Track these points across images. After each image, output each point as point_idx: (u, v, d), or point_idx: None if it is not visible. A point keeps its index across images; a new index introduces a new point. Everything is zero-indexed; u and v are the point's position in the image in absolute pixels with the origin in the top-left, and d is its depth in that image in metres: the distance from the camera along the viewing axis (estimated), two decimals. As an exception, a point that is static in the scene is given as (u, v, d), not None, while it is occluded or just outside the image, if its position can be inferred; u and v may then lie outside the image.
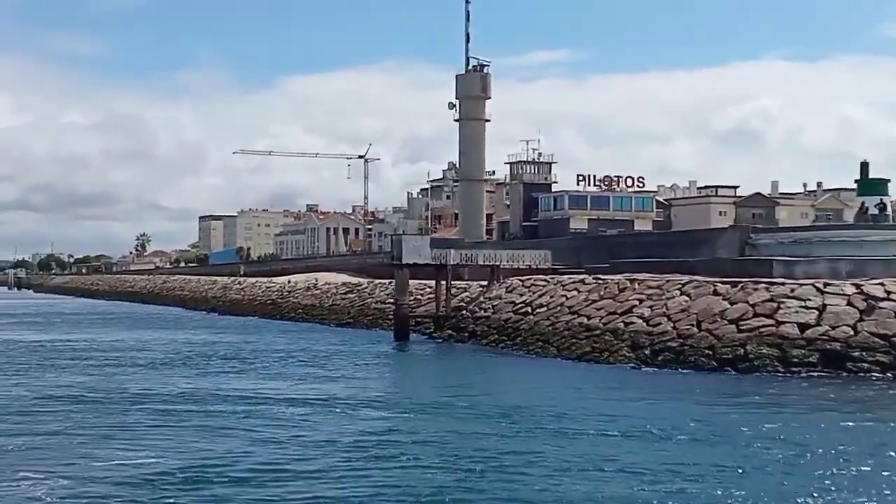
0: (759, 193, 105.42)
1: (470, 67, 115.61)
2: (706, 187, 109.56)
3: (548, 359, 40.40)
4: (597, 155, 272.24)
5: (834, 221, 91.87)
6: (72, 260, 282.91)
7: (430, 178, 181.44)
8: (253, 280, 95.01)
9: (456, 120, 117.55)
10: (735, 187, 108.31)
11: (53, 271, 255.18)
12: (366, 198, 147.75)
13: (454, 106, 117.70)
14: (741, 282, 38.25)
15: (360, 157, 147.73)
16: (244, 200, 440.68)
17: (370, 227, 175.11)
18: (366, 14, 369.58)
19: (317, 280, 79.85)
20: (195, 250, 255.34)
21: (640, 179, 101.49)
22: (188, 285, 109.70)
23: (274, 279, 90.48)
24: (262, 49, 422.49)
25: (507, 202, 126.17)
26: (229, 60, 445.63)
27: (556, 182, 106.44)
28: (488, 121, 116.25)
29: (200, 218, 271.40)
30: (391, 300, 63.53)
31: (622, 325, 39.73)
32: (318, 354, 43.22)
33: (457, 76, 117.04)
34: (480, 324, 49.01)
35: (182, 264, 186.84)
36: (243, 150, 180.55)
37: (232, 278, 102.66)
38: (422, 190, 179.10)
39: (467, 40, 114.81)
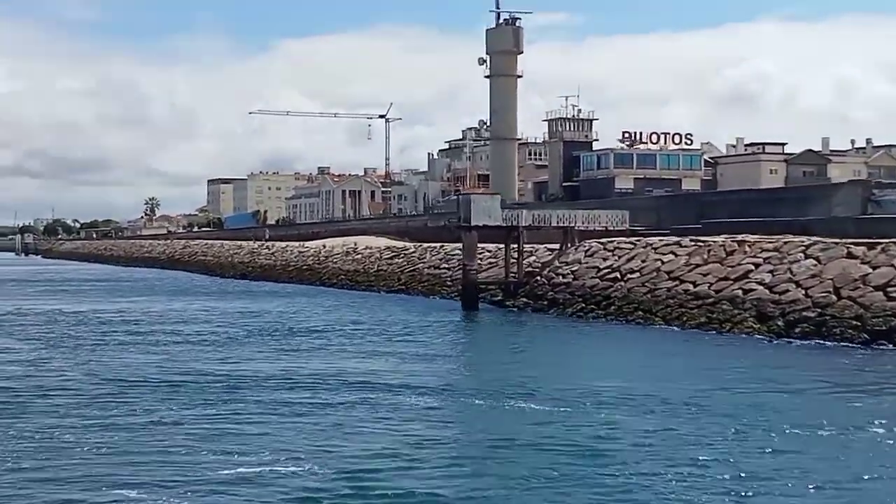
0: (810, 150, 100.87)
1: (501, 21, 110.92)
2: (753, 144, 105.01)
3: (654, 330, 36.38)
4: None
5: (887, 179, 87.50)
6: (78, 225, 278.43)
7: (449, 139, 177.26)
8: (283, 244, 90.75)
9: (486, 76, 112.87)
10: (783, 144, 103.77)
11: (60, 237, 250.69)
12: (387, 159, 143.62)
13: (484, 61, 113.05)
14: (879, 243, 34.04)
15: (381, 116, 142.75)
16: (241, 164, 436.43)
17: (388, 189, 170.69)
18: None
19: (356, 244, 75.60)
20: (204, 214, 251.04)
21: (688, 136, 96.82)
22: (211, 250, 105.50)
23: (307, 243, 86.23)
24: (257, 12, 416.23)
25: (543, 162, 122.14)
26: (225, 24, 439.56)
27: (597, 140, 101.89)
28: (520, 76, 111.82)
29: (209, 181, 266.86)
30: (445, 265, 59.72)
31: (740, 292, 35.60)
32: (393, 327, 39.02)
33: (487, 30, 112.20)
34: (561, 291, 44.87)
35: (195, 228, 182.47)
36: (260, 110, 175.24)
37: (258, 242, 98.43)
38: (440, 151, 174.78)
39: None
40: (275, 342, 34.26)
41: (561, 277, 46.27)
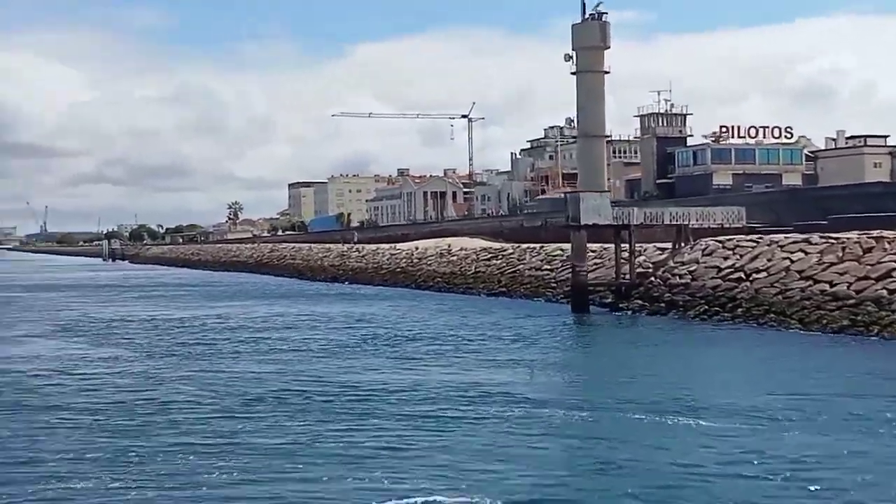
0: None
1: (587, 16, 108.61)
2: (854, 137, 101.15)
3: (790, 333, 34.07)
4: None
5: None
6: (162, 230, 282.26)
7: (532, 139, 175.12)
8: (373, 247, 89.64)
9: (573, 73, 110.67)
10: (885, 136, 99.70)
11: (145, 242, 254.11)
12: (471, 159, 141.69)
13: (570, 58, 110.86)
14: None
15: (463, 116, 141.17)
16: (316, 168, 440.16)
17: (470, 189, 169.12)
18: None
19: (449, 245, 74.09)
20: (286, 218, 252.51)
21: (788, 130, 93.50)
22: (299, 254, 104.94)
23: (397, 246, 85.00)
24: (329, 18, 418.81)
25: (631, 159, 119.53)
26: (298, 30, 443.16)
27: (691, 135, 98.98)
28: (608, 72, 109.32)
29: (290, 185, 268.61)
30: (547, 266, 57.90)
31: (885, 292, 33.15)
32: (505, 332, 37.35)
33: (573, 26, 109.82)
34: (679, 293, 42.71)
35: (279, 232, 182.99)
36: (343, 112, 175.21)
37: (347, 245, 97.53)
38: (522, 150, 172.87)
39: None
40: (390, 349, 32.77)
41: (678, 278, 44.12)
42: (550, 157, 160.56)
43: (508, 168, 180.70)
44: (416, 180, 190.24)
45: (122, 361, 30.47)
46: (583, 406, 21.54)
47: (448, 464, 16.51)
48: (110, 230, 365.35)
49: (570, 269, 50.26)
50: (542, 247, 61.68)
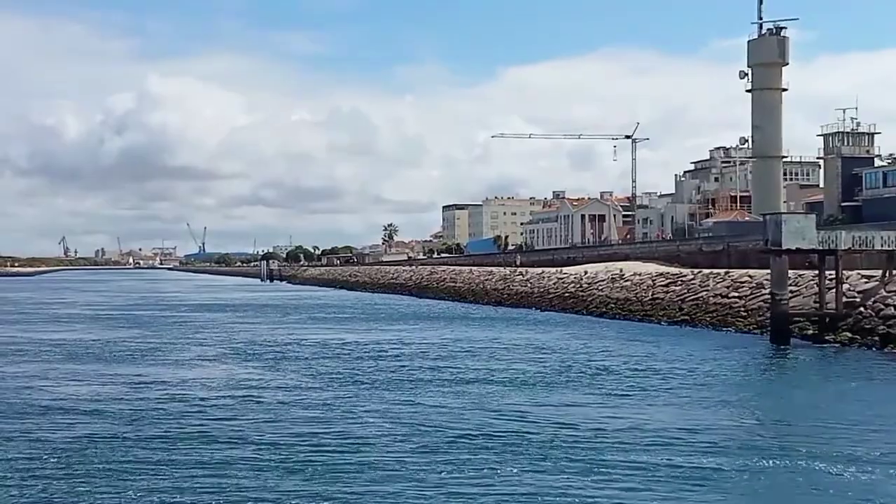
0: None
1: (765, 31, 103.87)
2: None
3: None
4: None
5: None
6: (318, 251, 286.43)
7: (696, 160, 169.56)
8: (537, 270, 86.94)
9: (748, 90, 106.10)
10: None
11: (302, 263, 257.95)
12: (634, 181, 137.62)
13: (745, 75, 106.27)
14: None
15: (627, 136, 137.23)
16: (465, 191, 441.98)
17: (630, 212, 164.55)
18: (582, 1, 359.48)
19: (621, 270, 70.73)
20: (440, 240, 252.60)
21: None
22: (460, 277, 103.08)
23: (564, 269, 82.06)
24: (479, 41, 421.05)
25: (807, 182, 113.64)
26: (448, 54, 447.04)
27: (878, 155, 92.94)
28: (786, 90, 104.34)
29: (444, 207, 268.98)
30: (735, 293, 54.05)
31: None
32: (704, 366, 34.10)
33: (749, 42, 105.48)
34: (896, 325, 38.49)
35: (435, 254, 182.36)
36: (503, 133, 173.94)
37: (510, 269, 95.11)
38: (685, 172, 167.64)
39: (760, 1, 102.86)
40: (586, 382, 30.00)
41: (893, 308, 39.87)
42: (716, 180, 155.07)
43: (664, 191, 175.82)
44: (574, 203, 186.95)
45: (303, 389, 28.66)
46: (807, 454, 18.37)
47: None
48: (266, 251, 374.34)
49: (769, 298, 46.82)
50: (726, 272, 57.85)
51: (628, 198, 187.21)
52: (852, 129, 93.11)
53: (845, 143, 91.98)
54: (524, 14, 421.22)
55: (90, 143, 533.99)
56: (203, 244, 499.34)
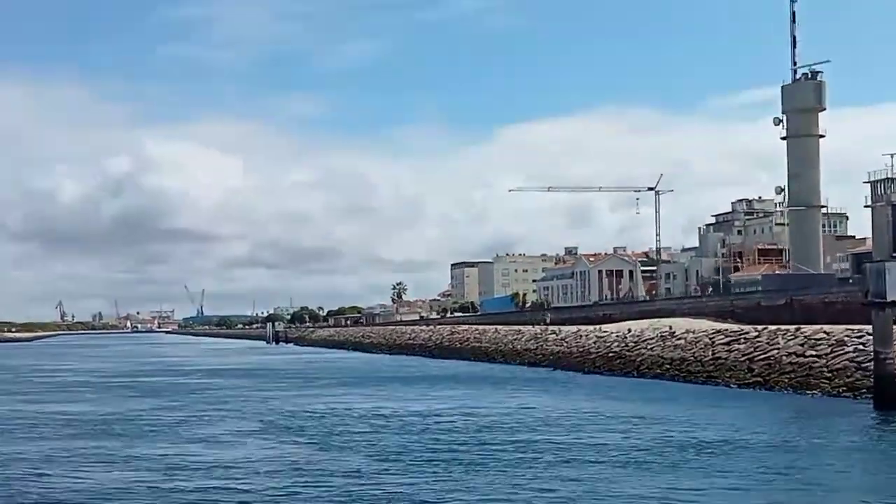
0: None
1: (800, 76, 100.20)
2: None
3: None
4: None
5: None
6: (323, 312, 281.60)
7: (716, 213, 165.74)
8: (572, 328, 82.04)
9: (783, 138, 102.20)
10: None
11: (307, 324, 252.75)
12: (658, 235, 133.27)
13: (780, 121, 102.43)
14: None
15: (650, 188, 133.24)
16: (461, 251, 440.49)
17: (651, 268, 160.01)
18: (581, 60, 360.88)
19: (671, 327, 65.87)
20: (447, 299, 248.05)
21: None
22: (485, 336, 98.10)
23: (604, 327, 77.19)
24: (477, 101, 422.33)
25: (842, 232, 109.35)
26: (445, 114, 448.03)
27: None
28: (823, 136, 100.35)
29: (452, 265, 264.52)
30: (812, 352, 49.14)
31: None
32: (799, 439, 29.22)
33: (783, 87, 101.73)
34: None
35: (448, 314, 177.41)
36: (520, 187, 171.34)
37: (540, 327, 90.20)
38: (707, 225, 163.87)
39: (793, 45, 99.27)
40: (697, 460, 25.16)
41: None
42: (739, 233, 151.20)
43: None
44: (590, 259, 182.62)
45: (372, 474, 23.73)
46: None
47: None
48: (266, 312, 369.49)
49: (860, 357, 42.19)
50: (797, 328, 53.03)
51: (646, 253, 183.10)
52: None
53: (894, 191, 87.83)
54: (520, 74, 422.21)
55: (87, 207, 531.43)
56: (201, 307, 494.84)
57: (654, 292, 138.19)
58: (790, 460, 25.37)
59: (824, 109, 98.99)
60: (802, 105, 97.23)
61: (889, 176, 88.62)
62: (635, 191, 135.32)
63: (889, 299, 37.31)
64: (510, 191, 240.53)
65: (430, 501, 20.21)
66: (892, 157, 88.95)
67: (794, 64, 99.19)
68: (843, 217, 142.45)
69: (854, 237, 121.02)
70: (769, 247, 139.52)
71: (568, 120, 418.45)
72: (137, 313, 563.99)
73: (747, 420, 34.92)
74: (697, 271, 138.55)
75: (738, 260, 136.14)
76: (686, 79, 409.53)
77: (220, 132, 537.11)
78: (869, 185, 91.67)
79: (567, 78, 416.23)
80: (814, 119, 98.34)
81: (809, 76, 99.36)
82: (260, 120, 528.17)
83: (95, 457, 28.05)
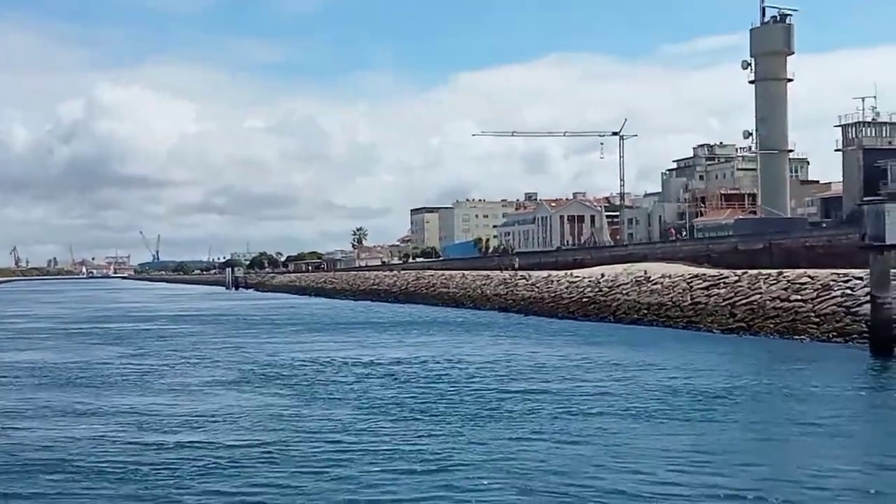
0: None
1: (768, 18, 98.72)
2: None
3: None
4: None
5: None
6: (282, 258, 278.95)
7: (678, 158, 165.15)
8: (542, 273, 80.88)
9: (751, 81, 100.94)
10: None
11: (267, 270, 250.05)
12: (622, 180, 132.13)
13: (748, 65, 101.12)
14: None
15: (614, 133, 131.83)
16: (417, 197, 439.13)
17: (613, 213, 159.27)
18: (536, 6, 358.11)
19: (646, 272, 64.84)
20: (406, 244, 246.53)
21: None
22: (452, 282, 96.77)
23: (575, 272, 76.03)
24: (433, 47, 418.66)
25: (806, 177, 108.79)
26: (401, 60, 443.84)
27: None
28: (791, 80, 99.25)
29: (412, 211, 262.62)
30: (797, 297, 48.29)
31: None
32: (802, 390, 28.08)
33: (751, 30, 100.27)
34: None
35: (410, 259, 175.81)
36: (483, 131, 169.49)
37: (508, 272, 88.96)
38: (669, 171, 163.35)
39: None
40: (709, 410, 23.85)
41: None
42: (701, 178, 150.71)
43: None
44: (552, 204, 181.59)
45: (361, 429, 22.15)
46: None
47: None
48: (222, 258, 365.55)
49: (849, 301, 41.33)
50: (779, 273, 52.16)
51: (606, 198, 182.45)
52: (873, 119, 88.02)
53: (867, 135, 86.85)
54: (477, 20, 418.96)
55: (39, 152, 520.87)
56: (157, 252, 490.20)
57: (618, 237, 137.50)
58: (802, 409, 24.23)
59: (793, 53, 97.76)
60: (771, 48, 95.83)
61: (860, 120, 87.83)
62: (599, 135, 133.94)
63: (888, 242, 36.33)
64: (474, 135, 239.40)
65: (438, 458, 18.70)
66: (862, 100, 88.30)
67: (763, 6, 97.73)
68: (805, 162, 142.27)
69: (818, 182, 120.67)
70: (732, 192, 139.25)
71: (522, 67, 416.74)
72: (93, 259, 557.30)
73: (743, 366, 33.94)
74: (661, 216, 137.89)
75: (702, 205, 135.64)
76: (641, 26, 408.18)
77: (175, 77, 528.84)
78: (840, 129, 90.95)
79: (522, 25, 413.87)
80: (782, 62, 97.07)
81: (778, 19, 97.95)
82: (215, 65, 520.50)
83: (62, 410, 26.28)
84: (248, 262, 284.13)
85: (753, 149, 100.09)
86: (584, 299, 66.22)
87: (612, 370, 33.02)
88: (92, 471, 18.18)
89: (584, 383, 29.35)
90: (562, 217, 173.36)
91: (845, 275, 47.30)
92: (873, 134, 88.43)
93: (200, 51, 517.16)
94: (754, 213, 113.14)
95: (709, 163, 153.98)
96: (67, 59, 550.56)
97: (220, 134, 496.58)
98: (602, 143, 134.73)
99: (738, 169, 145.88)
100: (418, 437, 21.03)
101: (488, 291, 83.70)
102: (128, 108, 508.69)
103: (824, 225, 74.70)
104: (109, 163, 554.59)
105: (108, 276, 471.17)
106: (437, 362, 36.57)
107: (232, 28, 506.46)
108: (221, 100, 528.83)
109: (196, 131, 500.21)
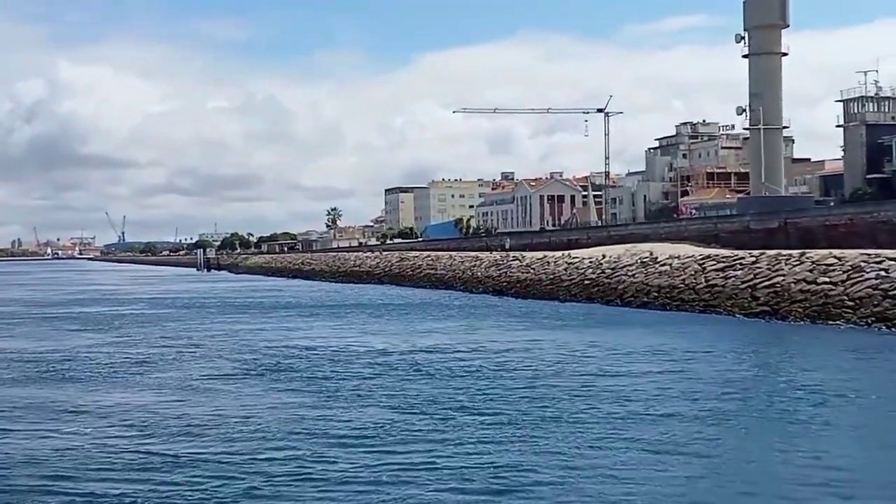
0: None
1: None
2: None
3: None
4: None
5: None
6: (254, 238, 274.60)
7: (661, 136, 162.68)
8: (537, 255, 77.89)
9: (744, 56, 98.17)
10: None
11: (239, 251, 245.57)
12: (607, 158, 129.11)
13: (742, 38, 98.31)
14: None
15: (599, 110, 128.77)
16: (382, 177, 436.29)
17: (596, 193, 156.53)
18: None
19: (652, 252, 61.98)
20: (381, 225, 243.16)
21: None
22: (439, 263, 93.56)
23: (574, 252, 73.06)
24: (397, 27, 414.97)
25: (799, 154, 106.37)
26: (364, 39, 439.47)
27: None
28: (786, 54, 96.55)
29: (387, 191, 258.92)
30: (824, 279, 45.54)
31: None
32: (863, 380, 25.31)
33: (745, 3, 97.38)
34: None
35: (388, 240, 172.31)
36: (464, 108, 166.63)
37: (500, 254, 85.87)
38: (651, 149, 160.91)
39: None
40: (763, 410, 20.88)
41: None
42: (684, 156, 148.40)
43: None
44: (531, 184, 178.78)
45: (403, 433, 19.02)
46: None
47: None
48: (190, 239, 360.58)
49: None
50: (802, 253, 49.42)
51: (586, 177, 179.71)
52: (876, 94, 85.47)
53: (869, 110, 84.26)
54: (441, 1, 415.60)
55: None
56: (123, 233, 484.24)
57: (603, 217, 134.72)
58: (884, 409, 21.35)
59: (787, 26, 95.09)
60: (765, 21, 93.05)
61: (863, 94, 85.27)
62: (584, 112, 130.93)
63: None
64: (454, 112, 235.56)
65: (514, 474, 15.59)
66: (865, 74, 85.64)
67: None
68: (790, 141, 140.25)
69: (809, 160, 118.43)
70: (718, 170, 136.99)
71: (486, 46, 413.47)
72: (58, 240, 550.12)
73: (806, 359, 30.85)
74: (645, 196, 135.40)
75: (687, 183, 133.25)
76: (605, 5, 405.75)
77: (137, 56, 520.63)
78: (841, 104, 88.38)
79: (486, 4, 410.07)
80: (776, 36, 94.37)
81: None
82: (177, 44, 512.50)
83: (44, 408, 23.00)
84: (218, 244, 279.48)
85: (749, 124, 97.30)
86: (587, 281, 63.27)
87: (658, 359, 30.02)
88: (84, 493, 14.92)
89: (637, 378, 26.24)
90: (541, 197, 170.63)
91: (876, 255, 44.67)
92: (875, 109, 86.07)
93: (163, 29, 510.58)
94: (743, 192, 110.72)
95: (692, 141, 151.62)
96: (28, 36, 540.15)
97: (184, 113, 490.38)
98: (587, 121, 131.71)
99: (723, 147, 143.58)
100: (474, 443, 17.90)
101: (479, 273, 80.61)
102: (89, 87, 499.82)
103: (832, 203, 72.28)
104: (71, 142, 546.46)
105: (73, 257, 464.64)
106: (458, 351, 33.43)
107: (194, 6, 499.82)
108: (184, 79, 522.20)
109: (159, 111, 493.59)
